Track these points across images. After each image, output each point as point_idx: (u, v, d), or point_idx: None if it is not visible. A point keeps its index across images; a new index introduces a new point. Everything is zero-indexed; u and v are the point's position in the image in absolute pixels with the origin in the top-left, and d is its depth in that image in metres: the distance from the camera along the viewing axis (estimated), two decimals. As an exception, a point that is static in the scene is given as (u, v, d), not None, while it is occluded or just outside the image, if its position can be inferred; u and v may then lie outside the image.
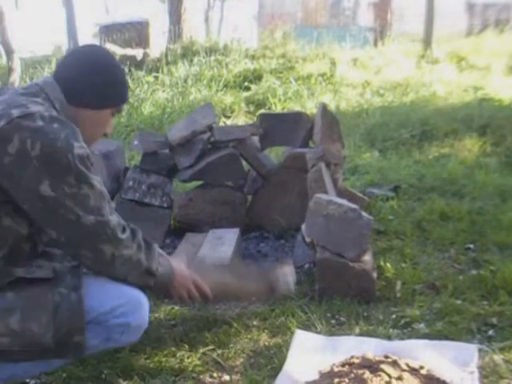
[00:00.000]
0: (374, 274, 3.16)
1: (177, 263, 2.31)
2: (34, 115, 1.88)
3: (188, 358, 2.59)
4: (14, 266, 1.95)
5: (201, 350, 2.64)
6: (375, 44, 14.45)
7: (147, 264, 2.10)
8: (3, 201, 1.89)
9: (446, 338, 2.68)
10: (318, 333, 2.76)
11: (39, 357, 1.95)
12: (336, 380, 2.19)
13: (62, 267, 2.05)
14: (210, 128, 4.21)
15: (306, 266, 3.52)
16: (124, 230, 2.04)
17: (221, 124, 7.52)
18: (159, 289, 2.26)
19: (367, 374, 2.17)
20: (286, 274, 2.74)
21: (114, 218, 2.01)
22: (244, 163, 4.30)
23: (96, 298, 2.03)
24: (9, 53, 9.68)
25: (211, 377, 2.47)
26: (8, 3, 10.42)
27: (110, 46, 13.09)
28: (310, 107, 8.65)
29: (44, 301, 1.93)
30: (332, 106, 8.52)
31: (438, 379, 2.23)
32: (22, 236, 1.97)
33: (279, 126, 4.29)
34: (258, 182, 4.30)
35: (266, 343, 2.72)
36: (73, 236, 1.94)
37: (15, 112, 1.87)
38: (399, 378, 2.16)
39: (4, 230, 1.93)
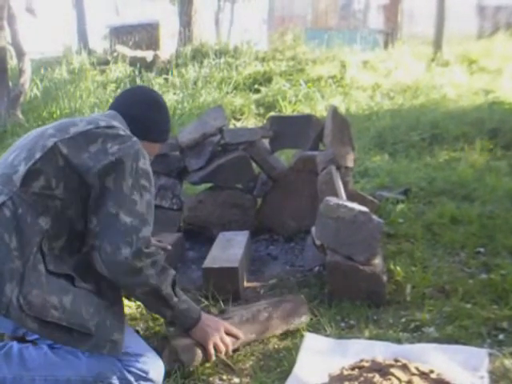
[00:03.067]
0: (384, 278, 3.15)
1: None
2: (117, 127, 2.29)
3: (201, 366, 2.59)
4: (67, 265, 2.16)
5: (210, 353, 2.64)
6: (385, 46, 14.45)
7: (157, 284, 2.22)
8: (77, 189, 2.16)
9: (456, 342, 2.67)
10: (328, 336, 2.76)
11: (80, 341, 2.06)
12: (346, 383, 2.19)
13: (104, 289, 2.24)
14: (221, 130, 4.21)
15: (316, 268, 3.52)
16: (148, 246, 2.20)
17: (231, 126, 7.53)
18: (181, 325, 2.45)
19: (377, 378, 2.17)
20: (305, 313, 2.89)
21: (146, 232, 2.20)
22: (254, 166, 4.30)
23: (128, 339, 2.19)
24: (20, 55, 9.73)
25: (221, 379, 2.47)
26: (19, 6, 10.45)
27: (120, 48, 13.13)
28: (320, 110, 8.66)
29: (92, 298, 2.14)
30: (342, 109, 8.52)
31: (447, 383, 2.22)
32: (76, 231, 2.20)
33: (289, 129, 4.29)
34: (268, 184, 4.30)
35: (276, 346, 2.72)
36: (106, 227, 2.15)
37: (102, 122, 2.28)
38: (409, 382, 2.16)
39: (66, 221, 2.17)
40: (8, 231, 2.03)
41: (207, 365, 2.55)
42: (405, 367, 2.26)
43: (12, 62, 11.16)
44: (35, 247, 2.05)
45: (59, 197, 2.13)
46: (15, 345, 2.16)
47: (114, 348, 2.10)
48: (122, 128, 2.31)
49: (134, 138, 2.28)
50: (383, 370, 2.24)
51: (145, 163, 2.26)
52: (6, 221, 2.05)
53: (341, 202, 3.30)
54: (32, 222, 2.07)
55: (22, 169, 2.12)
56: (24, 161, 2.15)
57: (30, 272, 2.01)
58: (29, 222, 2.07)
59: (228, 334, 2.52)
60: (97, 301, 2.14)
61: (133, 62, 12.17)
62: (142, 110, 2.49)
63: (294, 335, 2.79)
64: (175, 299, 2.30)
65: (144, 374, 2.18)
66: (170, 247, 3.14)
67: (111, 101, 2.65)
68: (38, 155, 2.14)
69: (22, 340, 2.19)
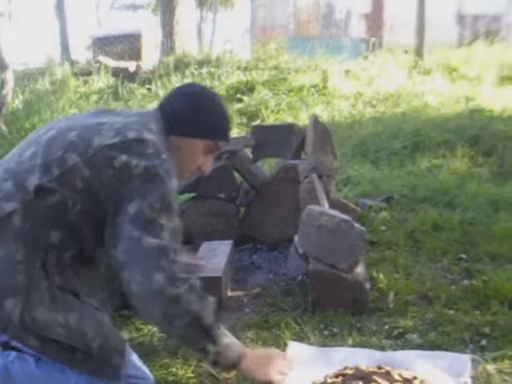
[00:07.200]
0: (367, 285, 3.17)
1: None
2: (146, 142, 1.98)
3: (181, 370, 2.59)
4: (76, 276, 1.99)
5: (194, 362, 2.64)
6: (367, 55, 14.51)
7: (198, 312, 1.90)
8: (93, 212, 1.94)
9: (439, 348, 2.68)
10: (311, 344, 2.76)
11: (82, 362, 1.95)
12: (329, 391, 2.19)
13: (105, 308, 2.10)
14: (203, 140, 4.21)
15: (299, 277, 3.53)
16: (181, 271, 1.93)
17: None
18: (225, 361, 1.96)
19: (360, 385, 2.18)
20: None
21: (177, 256, 1.94)
22: (237, 175, 4.31)
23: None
24: (2, 66, 9.67)
25: (205, 389, 2.47)
26: (1, 16, 10.38)
27: (103, 59, 13.11)
28: (303, 118, 8.68)
29: (96, 316, 1.99)
30: (324, 118, 8.55)
31: (431, 389, 2.23)
32: (87, 247, 2.00)
33: (271, 138, 4.30)
34: (251, 193, 4.31)
35: (260, 355, 2.71)
36: (131, 255, 1.89)
37: (131, 134, 1.98)
38: (392, 389, 2.17)
39: (78, 239, 1.97)
40: (15, 243, 1.88)
41: (191, 375, 2.55)
42: (388, 374, 2.27)
43: (-6, 74, 11.10)
44: (38, 262, 1.91)
45: (73, 217, 1.94)
46: None
47: (115, 372, 1.97)
48: (152, 142, 2.00)
49: (164, 156, 2.00)
50: (367, 377, 2.25)
51: (174, 182, 2.00)
52: (15, 231, 1.89)
53: (323, 211, 3.31)
54: (41, 236, 1.91)
55: (36, 180, 1.92)
56: (39, 170, 1.94)
57: (34, 288, 1.89)
58: (37, 235, 1.91)
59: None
60: (101, 320, 2.01)
61: (115, 72, 12.14)
62: (176, 102, 2.18)
63: (277, 344, 2.79)
64: (218, 330, 1.94)
65: None
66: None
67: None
68: (55, 172, 1.92)
69: (5, 346, 2.13)
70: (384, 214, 4.63)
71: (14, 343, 2.04)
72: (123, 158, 1.94)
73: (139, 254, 1.88)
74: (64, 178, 1.93)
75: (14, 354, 1.99)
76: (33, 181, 1.92)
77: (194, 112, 2.17)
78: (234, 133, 8.59)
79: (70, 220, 1.94)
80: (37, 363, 1.97)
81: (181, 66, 12.25)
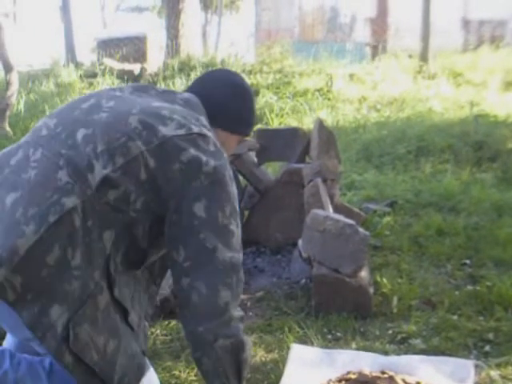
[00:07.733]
0: (371, 290, 3.16)
1: None
2: (209, 139, 1.86)
3: (184, 372, 2.59)
4: (127, 284, 1.83)
5: (197, 365, 2.64)
6: (372, 59, 14.51)
7: (243, 342, 1.82)
8: (154, 206, 1.78)
9: (443, 353, 2.68)
10: (315, 348, 2.76)
11: None
12: (332, 396, 2.19)
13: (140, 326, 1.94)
14: (208, 143, 4.21)
15: (303, 281, 3.52)
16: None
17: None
18: None
19: (364, 390, 2.18)
20: None
21: (243, 272, 1.90)
22: (241, 178, 4.31)
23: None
24: (7, 67, 9.66)
25: (208, 392, 2.46)
26: (6, 17, 10.37)
27: (108, 61, 13.13)
28: (308, 122, 8.67)
29: (132, 346, 1.84)
30: (329, 122, 8.53)
31: (434, 395, 2.23)
32: (137, 248, 1.83)
33: (276, 142, 4.30)
34: (255, 197, 4.30)
35: (263, 358, 2.72)
36: (200, 264, 1.77)
37: (195, 128, 1.85)
38: (396, 394, 2.17)
39: (129, 237, 1.79)
40: (72, 245, 1.66)
41: (194, 378, 2.54)
42: (391, 379, 2.27)
43: (-1, 74, 11.12)
44: (98, 271, 1.71)
45: (132, 213, 1.75)
46: (10, 370, 1.82)
47: None
48: (212, 139, 1.88)
49: (225, 155, 1.90)
50: (370, 382, 2.25)
51: (234, 185, 1.89)
52: (72, 232, 1.67)
53: (327, 215, 3.31)
54: (97, 238, 1.71)
55: (99, 170, 1.72)
56: (102, 158, 1.73)
57: (88, 301, 1.69)
58: (95, 237, 1.70)
59: None
60: (133, 350, 1.83)
61: (120, 74, 12.16)
62: (220, 93, 2.07)
63: (280, 347, 2.79)
64: (246, 373, 1.86)
65: None
66: None
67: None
68: (119, 161, 1.73)
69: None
70: (388, 218, 4.63)
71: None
72: (192, 151, 1.78)
73: (209, 266, 1.76)
74: (128, 166, 1.74)
75: (24, 366, 1.85)
76: (96, 171, 1.72)
77: (237, 107, 2.09)
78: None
79: (125, 218, 1.75)
80: (48, 380, 1.83)
81: (185, 68, 12.26)
